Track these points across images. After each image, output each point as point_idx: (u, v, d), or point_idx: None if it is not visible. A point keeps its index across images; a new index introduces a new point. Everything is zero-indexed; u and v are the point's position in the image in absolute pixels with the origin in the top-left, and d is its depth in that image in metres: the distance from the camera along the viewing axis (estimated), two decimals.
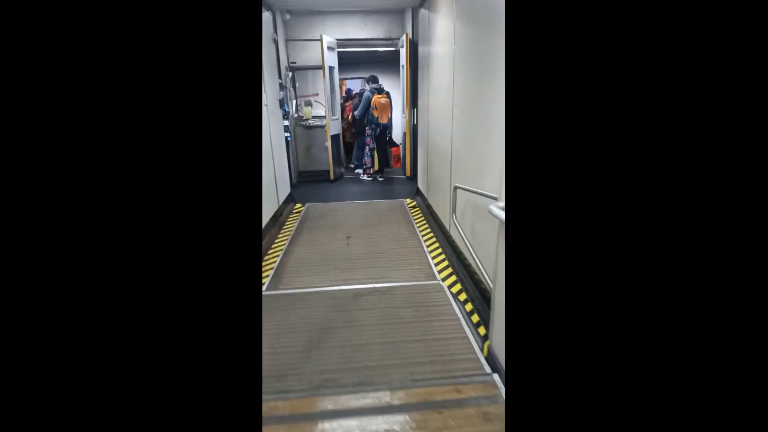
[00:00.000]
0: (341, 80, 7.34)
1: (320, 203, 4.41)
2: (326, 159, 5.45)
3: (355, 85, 7.65)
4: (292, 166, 5.42)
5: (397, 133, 6.39)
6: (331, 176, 5.45)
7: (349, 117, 6.28)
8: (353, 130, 6.23)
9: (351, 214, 3.94)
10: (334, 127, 5.46)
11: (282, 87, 4.72)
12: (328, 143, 5.30)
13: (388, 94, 5.40)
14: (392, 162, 5.87)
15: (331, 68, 5.35)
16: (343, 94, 6.84)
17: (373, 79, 5.45)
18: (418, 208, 4.11)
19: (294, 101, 5.72)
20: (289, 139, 4.94)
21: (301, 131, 5.70)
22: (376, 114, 5.32)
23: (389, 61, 6.91)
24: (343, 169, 5.96)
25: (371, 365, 1.67)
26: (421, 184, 4.36)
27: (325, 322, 2.01)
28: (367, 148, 5.58)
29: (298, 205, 4.37)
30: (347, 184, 5.47)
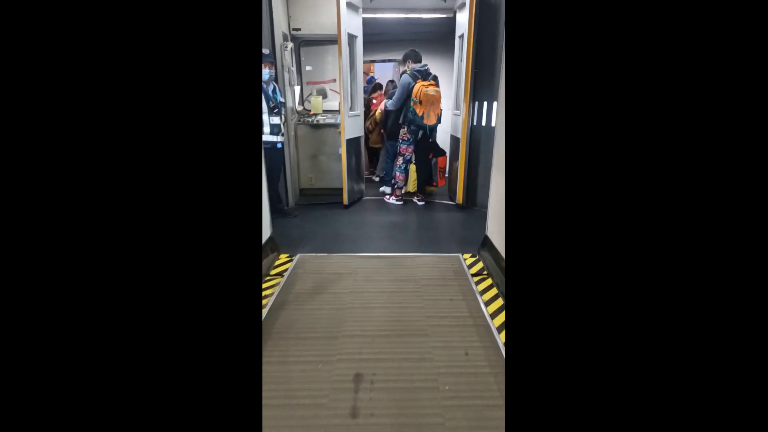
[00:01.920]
0: (367, 63, 5.58)
1: (319, 256, 2.66)
2: (340, 172, 3.69)
3: (385, 72, 5.86)
4: (289, 182, 3.71)
5: (439, 138, 4.57)
6: (345, 200, 3.70)
7: (377, 113, 4.51)
8: (381, 131, 4.46)
9: (367, 290, 2.17)
10: (353, 126, 3.70)
11: (269, 62, 2.99)
12: (342, 150, 3.55)
13: (436, 80, 3.58)
14: (438, 178, 4.04)
15: (352, 37, 3.58)
16: (365, 84, 5.08)
17: (414, 56, 3.60)
18: (490, 281, 2.29)
19: (298, 88, 4.01)
20: (280, 146, 3.22)
21: (305, 132, 3.97)
22: (420, 111, 3.47)
23: (437, 39, 5.07)
24: (363, 186, 4.19)
25: None
26: (494, 230, 2.53)
27: None
28: (401, 159, 3.77)
29: (283, 257, 2.64)
30: (368, 212, 3.69)
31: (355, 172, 3.86)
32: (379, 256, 2.64)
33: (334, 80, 4.40)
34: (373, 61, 5.35)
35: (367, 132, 4.75)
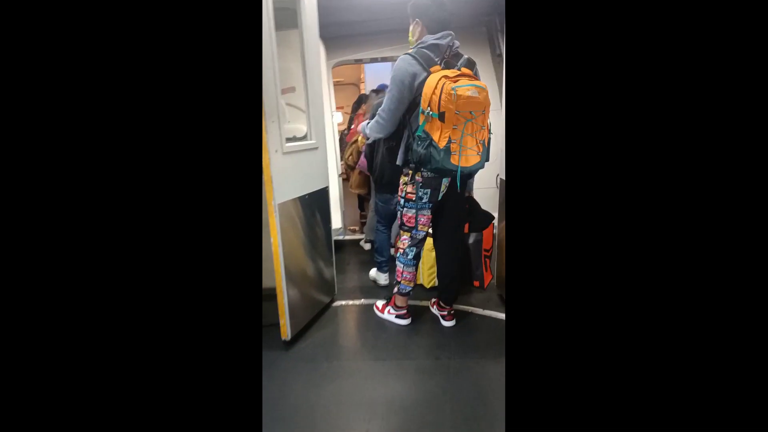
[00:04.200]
0: (352, 65, 3.70)
1: None
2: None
3: (381, 79, 3.99)
4: None
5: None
6: (287, 332, 1.71)
7: (360, 139, 2.61)
8: (369, 172, 2.53)
9: None
10: (307, 170, 1.74)
11: None
12: (272, 228, 1.61)
13: (472, 68, 1.63)
14: (483, 270, 2.05)
15: None
16: (363, 91, 3.24)
17: (432, 12, 1.57)
18: None
19: None
20: None
21: None
22: (441, 136, 1.49)
23: (464, 24, 3.13)
24: (333, 273, 2.21)
25: None
26: None
27: None
28: (407, 238, 1.77)
29: None
30: (334, 369, 1.64)
31: (313, 260, 1.92)
32: None
33: (293, 89, 2.56)
34: (360, 61, 3.52)
35: (346, 168, 2.85)
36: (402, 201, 1.72)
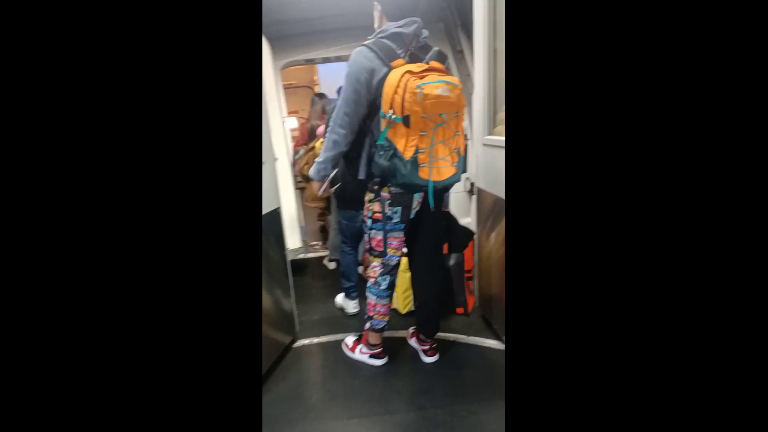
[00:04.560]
0: (302, 66, 3.37)
1: None
2: None
3: (335, 81, 3.70)
4: None
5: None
6: None
7: (317, 144, 2.30)
8: (328, 184, 2.21)
9: None
10: None
11: None
12: None
13: (442, 62, 1.34)
14: (467, 294, 1.81)
15: None
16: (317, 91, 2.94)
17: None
18: None
19: None
20: None
21: None
22: (406, 145, 1.22)
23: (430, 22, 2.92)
24: (292, 307, 1.88)
25: None
26: None
27: None
28: (378, 265, 1.50)
29: None
30: None
31: (268, 295, 1.59)
32: None
33: None
34: (311, 62, 3.19)
35: (301, 177, 2.53)
36: (368, 222, 1.44)
